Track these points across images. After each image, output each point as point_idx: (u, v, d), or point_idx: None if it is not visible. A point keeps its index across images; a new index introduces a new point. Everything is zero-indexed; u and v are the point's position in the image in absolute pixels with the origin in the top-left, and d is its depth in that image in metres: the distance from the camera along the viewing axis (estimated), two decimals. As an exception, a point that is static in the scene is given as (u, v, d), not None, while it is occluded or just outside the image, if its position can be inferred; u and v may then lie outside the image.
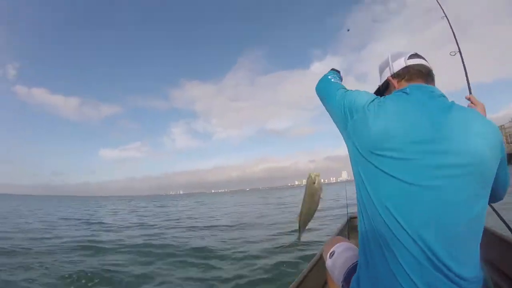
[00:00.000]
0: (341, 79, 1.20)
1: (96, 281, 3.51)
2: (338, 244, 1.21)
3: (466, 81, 1.84)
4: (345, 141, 0.92)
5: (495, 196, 0.87)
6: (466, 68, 1.91)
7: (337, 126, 0.97)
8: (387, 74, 1.02)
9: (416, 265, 0.71)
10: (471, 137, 0.74)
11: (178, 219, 10.94)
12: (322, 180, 1.21)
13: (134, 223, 10.01)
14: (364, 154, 0.81)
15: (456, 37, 1.99)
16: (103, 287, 3.39)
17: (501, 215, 1.61)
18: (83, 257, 4.64)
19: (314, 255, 2.26)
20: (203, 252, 4.78)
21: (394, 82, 0.98)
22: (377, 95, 1.01)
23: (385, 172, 0.76)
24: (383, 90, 1.06)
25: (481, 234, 0.76)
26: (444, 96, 0.87)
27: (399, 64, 0.98)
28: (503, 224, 1.58)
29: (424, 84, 0.91)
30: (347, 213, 3.70)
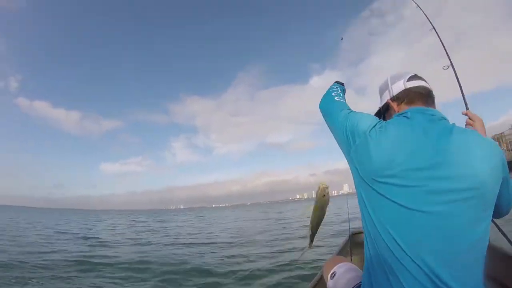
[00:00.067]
0: (344, 91, 1.21)
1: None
2: (339, 264, 1.19)
3: (462, 95, 1.82)
4: (348, 163, 0.92)
5: (499, 212, 0.88)
6: (460, 82, 1.90)
7: (340, 148, 0.96)
8: (386, 97, 1.02)
9: None
10: (472, 161, 0.74)
11: (177, 235, 10.75)
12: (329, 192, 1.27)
13: (132, 238, 9.83)
14: (366, 180, 0.82)
15: (447, 50, 1.97)
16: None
17: (504, 229, 1.58)
18: (79, 273, 4.54)
19: (314, 274, 2.18)
20: (201, 270, 4.65)
21: (394, 105, 0.98)
22: (378, 116, 1.04)
23: (387, 198, 0.77)
24: (383, 112, 1.07)
25: (485, 254, 0.76)
26: (445, 119, 0.87)
27: (399, 87, 0.98)
28: (505, 238, 1.55)
29: (424, 107, 0.91)
30: (349, 228, 3.57)
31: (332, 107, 1.06)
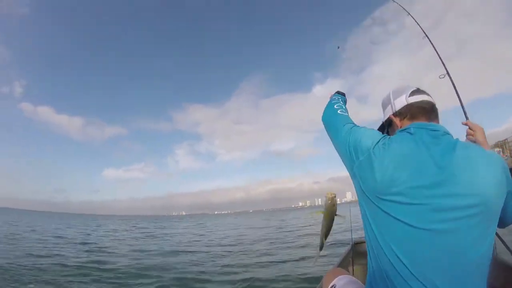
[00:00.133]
0: (345, 102, 1.21)
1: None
2: (340, 276, 1.16)
3: (460, 104, 1.79)
4: (350, 177, 0.92)
5: (503, 223, 0.87)
6: (459, 91, 1.88)
7: (343, 162, 0.96)
8: (389, 112, 1.01)
9: None
10: (477, 178, 0.74)
11: (177, 243, 10.61)
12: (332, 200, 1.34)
13: (131, 245, 9.73)
14: (370, 196, 0.81)
15: (446, 58, 1.99)
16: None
17: (505, 238, 1.57)
18: (75, 278, 4.47)
19: (313, 287, 2.10)
20: (200, 280, 4.53)
21: (397, 120, 0.97)
22: (381, 131, 1.05)
23: (391, 216, 0.76)
24: (387, 126, 1.06)
25: (488, 268, 0.75)
26: (448, 134, 0.86)
27: (401, 102, 0.97)
28: (508, 251, 1.55)
29: (427, 123, 0.90)
30: (352, 237, 3.46)
31: (335, 121, 1.05)
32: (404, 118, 0.95)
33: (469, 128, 1.11)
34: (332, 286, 1.13)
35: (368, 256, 0.87)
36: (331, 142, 1.04)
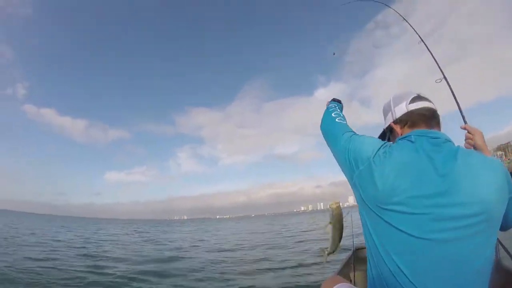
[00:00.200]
0: (342, 109, 1.21)
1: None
2: (339, 284, 1.14)
3: (458, 108, 1.78)
4: (350, 186, 0.91)
5: (504, 227, 0.86)
6: (459, 94, 1.88)
7: (342, 171, 0.95)
8: (390, 120, 1.00)
9: None
10: (478, 187, 0.73)
11: (178, 248, 10.48)
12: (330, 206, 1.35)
13: (130, 250, 9.64)
14: (370, 206, 0.80)
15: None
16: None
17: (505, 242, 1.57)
18: (71, 282, 4.41)
19: None
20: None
21: (397, 128, 0.96)
22: (383, 137, 1.05)
23: (392, 225, 0.76)
24: (388, 133, 1.05)
25: (490, 274, 0.75)
26: (449, 141, 0.85)
27: (401, 109, 0.95)
28: (509, 256, 1.54)
29: (428, 130, 0.88)
30: (353, 243, 3.38)
31: (333, 129, 1.04)
32: (404, 125, 0.94)
33: (468, 132, 1.09)
34: None
35: (368, 264, 0.86)
36: (330, 150, 1.02)
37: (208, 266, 6.23)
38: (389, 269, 0.75)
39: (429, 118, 0.91)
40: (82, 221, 58.70)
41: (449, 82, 1.93)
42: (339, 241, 1.33)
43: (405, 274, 0.72)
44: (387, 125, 1.02)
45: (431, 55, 2.18)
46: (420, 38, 2.34)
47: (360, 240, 2.88)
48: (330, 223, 1.30)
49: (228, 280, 4.83)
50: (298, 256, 6.77)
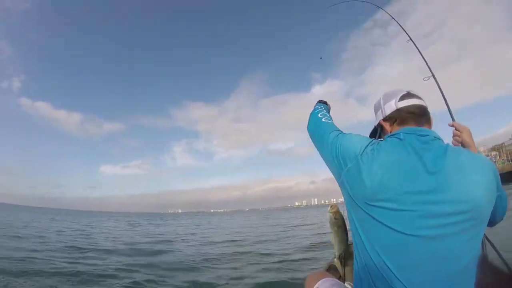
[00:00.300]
0: (329, 110, 1.21)
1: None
2: (323, 279, 1.16)
3: (446, 106, 1.80)
4: (338, 185, 0.90)
5: (491, 222, 0.86)
6: (447, 93, 1.90)
7: (330, 170, 0.95)
8: (380, 117, 1.00)
9: None
10: (467, 184, 0.74)
11: (168, 241, 10.42)
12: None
13: (121, 242, 9.60)
14: (358, 203, 0.80)
15: (427, 62, 2.03)
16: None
17: (490, 237, 1.60)
18: (62, 277, 4.34)
19: None
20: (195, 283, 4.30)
21: (387, 125, 0.96)
22: (374, 135, 1.06)
23: (379, 222, 0.76)
24: (379, 131, 1.05)
25: (475, 272, 0.75)
26: (438, 139, 0.85)
27: (390, 107, 0.95)
28: (495, 252, 1.58)
29: (417, 127, 0.88)
30: (348, 238, 3.39)
31: (320, 129, 1.04)
32: (394, 123, 0.94)
33: (456, 129, 1.09)
34: None
35: (354, 259, 0.87)
36: (318, 151, 1.02)
37: (197, 258, 6.24)
38: (375, 264, 0.76)
39: (419, 115, 0.91)
40: (76, 214, 58.50)
41: (441, 81, 1.97)
42: (347, 241, 1.30)
43: (391, 270, 0.72)
44: (377, 122, 1.02)
45: (420, 54, 2.24)
46: (409, 37, 2.39)
47: (351, 235, 2.90)
48: (331, 233, 1.28)
49: (218, 270, 4.86)
50: (288, 251, 6.83)
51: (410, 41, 2.34)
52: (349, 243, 3.23)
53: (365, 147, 0.83)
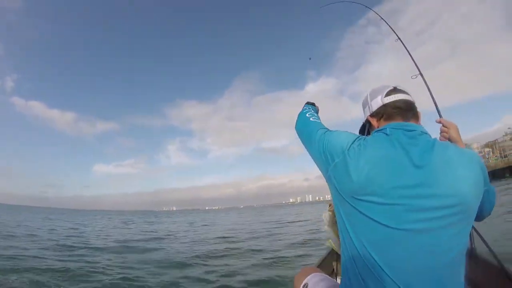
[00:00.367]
0: (317, 111, 1.21)
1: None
2: (312, 274, 1.17)
3: (434, 103, 1.83)
4: (326, 180, 0.91)
5: (478, 217, 0.87)
6: (435, 90, 1.93)
7: (318, 167, 0.95)
8: (367, 113, 1.01)
9: None
10: (454, 179, 0.74)
11: (160, 239, 10.41)
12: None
13: (113, 240, 9.57)
14: (345, 197, 0.80)
15: (414, 59, 2.05)
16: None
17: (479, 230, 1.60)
18: (53, 273, 4.34)
19: None
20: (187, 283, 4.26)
21: (374, 121, 0.97)
22: (362, 132, 1.07)
23: (367, 216, 0.76)
24: (367, 126, 1.06)
25: (464, 265, 0.76)
26: (425, 133, 0.85)
27: (377, 102, 0.96)
28: (485, 245, 1.59)
29: (403, 122, 0.88)
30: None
31: (307, 127, 1.05)
32: (380, 118, 0.94)
33: (443, 126, 1.10)
34: (305, 284, 1.13)
35: (341, 254, 0.87)
36: (306, 150, 1.03)
37: (189, 255, 6.26)
38: (363, 258, 0.76)
39: (405, 110, 0.91)
40: (70, 213, 57.63)
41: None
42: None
43: (378, 264, 0.73)
44: (365, 118, 1.04)
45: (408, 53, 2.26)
46: (397, 36, 2.41)
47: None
48: (331, 231, 1.27)
49: (209, 266, 4.89)
50: (281, 247, 6.89)
51: (399, 40, 2.37)
52: None
53: (352, 143, 0.84)
